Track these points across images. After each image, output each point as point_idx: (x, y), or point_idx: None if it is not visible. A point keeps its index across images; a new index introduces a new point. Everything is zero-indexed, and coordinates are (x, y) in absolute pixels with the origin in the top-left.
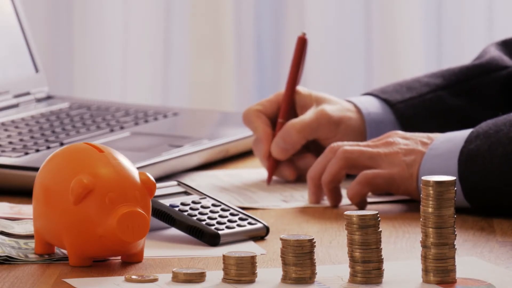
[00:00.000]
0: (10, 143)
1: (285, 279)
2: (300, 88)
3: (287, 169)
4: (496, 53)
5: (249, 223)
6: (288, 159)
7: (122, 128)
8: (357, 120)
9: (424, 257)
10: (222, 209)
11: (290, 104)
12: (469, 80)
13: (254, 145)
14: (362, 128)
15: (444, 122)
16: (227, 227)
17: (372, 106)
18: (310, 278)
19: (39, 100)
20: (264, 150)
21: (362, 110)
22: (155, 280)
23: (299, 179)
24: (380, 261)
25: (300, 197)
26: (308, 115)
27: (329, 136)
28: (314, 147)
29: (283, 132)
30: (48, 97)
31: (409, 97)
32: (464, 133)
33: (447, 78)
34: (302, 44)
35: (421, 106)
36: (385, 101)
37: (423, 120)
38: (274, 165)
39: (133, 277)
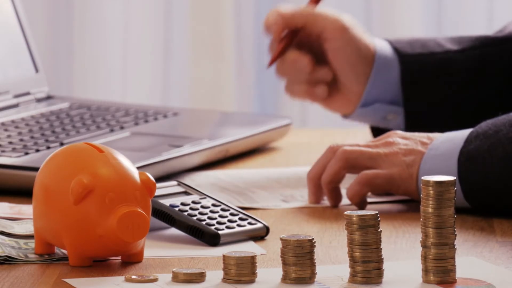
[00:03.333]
0: (10, 143)
1: (285, 279)
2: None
3: (302, 58)
4: None
5: (249, 223)
6: (306, 54)
7: (122, 128)
8: (367, 44)
9: (424, 257)
10: (222, 209)
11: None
12: (483, 47)
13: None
14: (370, 55)
15: (449, 84)
16: (227, 227)
17: (385, 47)
18: (310, 278)
19: (39, 100)
20: (276, 29)
21: (376, 45)
22: (155, 280)
23: (315, 96)
24: (380, 261)
25: (300, 197)
26: (322, 10)
27: (332, 37)
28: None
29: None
30: (48, 97)
31: (419, 52)
32: (464, 133)
33: (463, 43)
34: None
35: (428, 63)
36: (396, 50)
37: (427, 78)
38: (284, 49)
39: (133, 277)
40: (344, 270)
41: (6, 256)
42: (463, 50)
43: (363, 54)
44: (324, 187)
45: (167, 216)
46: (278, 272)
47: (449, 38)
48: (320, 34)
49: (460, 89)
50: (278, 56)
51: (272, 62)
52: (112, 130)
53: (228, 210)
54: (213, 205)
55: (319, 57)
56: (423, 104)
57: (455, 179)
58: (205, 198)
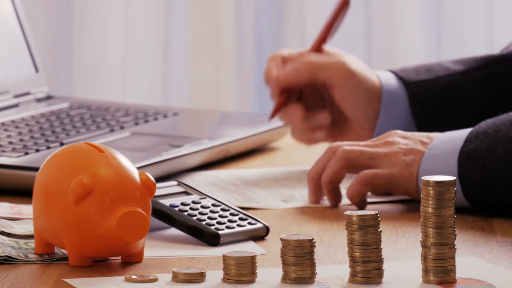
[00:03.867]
0: (10, 143)
1: (285, 279)
2: (327, 47)
3: (295, 106)
4: None
5: (249, 223)
6: (299, 105)
7: (122, 128)
8: (373, 84)
9: (424, 257)
10: (222, 209)
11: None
12: (489, 66)
13: (266, 78)
14: (377, 94)
15: (457, 107)
16: (227, 227)
17: (390, 79)
18: (310, 278)
19: (39, 100)
20: (274, 75)
21: (382, 80)
22: (155, 280)
23: (311, 142)
24: (380, 261)
25: (300, 197)
26: (324, 56)
27: (339, 85)
28: (328, 101)
29: (294, 60)
30: (48, 97)
31: (425, 79)
32: (464, 133)
33: (467, 64)
34: (342, 7)
35: (435, 89)
36: (401, 79)
37: (435, 103)
38: (284, 102)
39: (133, 277)
40: (344, 270)
41: (6, 256)
42: (468, 71)
43: (371, 95)
44: (324, 187)
45: (167, 216)
46: (278, 272)
47: (454, 60)
48: (326, 82)
49: (468, 112)
50: (278, 110)
51: (272, 115)
52: (112, 130)
53: (228, 210)
54: (213, 205)
55: (318, 99)
56: (436, 129)
57: (455, 179)
58: (205, 198)
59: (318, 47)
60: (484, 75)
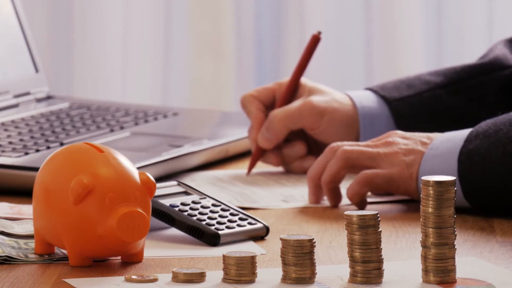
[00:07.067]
0: (10, 143)
1: (285, 279)
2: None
3: (272, 155)
4: (502, 52)
5: (249, 223)
6: (276, 146)
7: (122, 128)
8: (347, 112)
9: (424, 257)
10: (222, 209)
11: (290, 97)
12: (469, 79)
13: (248, 130)
14: (353, 121)
15: (441, 121)
16: (227, 227)
17: (368, 100)
18: (310, 278)
19: (39, 100)
20: (253, 135)
21: (356, 104)
22: (155, 280)
23: (289, 171)
24: (380, 261)
25: (300, 197)
26: (292, 105)
27: (314, 126)
28: (305, 137)
29: (267, 121)
30: (48, 97)
31: (407, 95)
32: (464, 133)
33: (448, 76)
34: (315, 43)
35: (418, 105)
36: (383, 97)
37: (419, 119)
38: (258, 154)
39: (133, 277)
40: (344, 270)
41: (6, 256)
42: (449, 85)
43: (347, 123)
44: (324, 187)
45: (167, 216)
46: (278, 272)
47: (434, 71)
48: (302, 127)
49: (452, 125)
50: (254, 164)
51: (249, 171)
52: (112, 130)
53: (228, 210)
54: (213, 205)
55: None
56: None
57: (455, 179)
58: (205, 198)
59: (295, 82)
60: (466, 88)
